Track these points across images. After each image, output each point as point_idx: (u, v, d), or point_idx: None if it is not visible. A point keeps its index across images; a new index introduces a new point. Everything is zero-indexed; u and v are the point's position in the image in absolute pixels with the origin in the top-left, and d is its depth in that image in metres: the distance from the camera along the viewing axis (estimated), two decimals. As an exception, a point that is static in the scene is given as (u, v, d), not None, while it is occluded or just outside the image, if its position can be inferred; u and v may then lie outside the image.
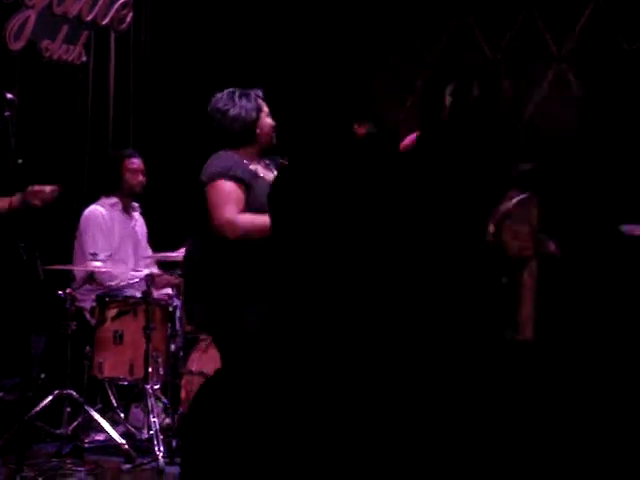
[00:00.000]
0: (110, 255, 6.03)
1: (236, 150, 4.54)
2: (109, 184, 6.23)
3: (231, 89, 4.62)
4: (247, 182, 4.44)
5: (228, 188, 4.40)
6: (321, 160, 3.35)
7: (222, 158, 4.51)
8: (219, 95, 4.63)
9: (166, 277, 6.07)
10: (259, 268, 4.33)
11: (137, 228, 6.35)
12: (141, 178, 6.24)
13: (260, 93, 4.64)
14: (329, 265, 3.15)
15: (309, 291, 3.20)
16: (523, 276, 6.21)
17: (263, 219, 4.29)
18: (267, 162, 4.64)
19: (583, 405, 3.25)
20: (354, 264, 3.12)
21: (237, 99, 4.56)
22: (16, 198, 5.06)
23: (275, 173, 4.56)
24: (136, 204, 6.35)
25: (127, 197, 6.25)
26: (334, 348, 3.12)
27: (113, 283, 6.01)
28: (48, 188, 5.21)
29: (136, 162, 6.24)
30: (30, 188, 5.04)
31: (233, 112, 4.54)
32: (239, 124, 4.54)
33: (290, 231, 3.28)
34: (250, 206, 4.42)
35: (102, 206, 6.19)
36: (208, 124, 4.61)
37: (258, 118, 4.56)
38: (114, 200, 6.21)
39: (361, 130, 7.02)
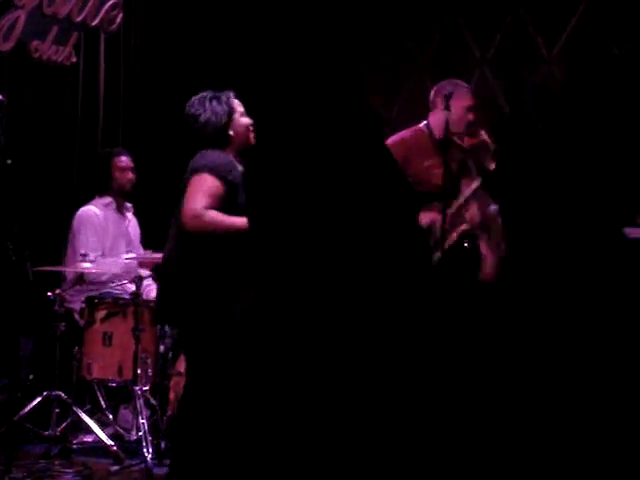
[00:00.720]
0: (102, 255, 6.04)
1: (223, 150, 4.53)
2: (100, 184, 6.23)
3: (203, 93, 4.61)
4: (237, 184, 4.40)
5: (209, 182, 4.36)
6: (294, 141, 3.32)
7: (215, 155, 4.48)
8: (192, 100, 4.62)
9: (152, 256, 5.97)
10: (237, 264, 4.33)
11: (130, 228, 6.35)
12: (130, 176, 6.25)
13: (232, 94, 4.61)
14: (305, 251, 3.12)
15: (288, 277, 3.17)
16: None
17: (230, 220, 4.31)
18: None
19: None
20: (329, 249, 3.11)
21: (207, 103, 4.55)
22: None
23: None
24: (129, 204, 6.35)
25: (119, 196, 6.25)
26: (318, 338, 3.11)
27: (104, 278, 6.01)
28: None
29: (124, 160, 6.24)
30: None
31: (204, 117, 4.53)
32: (211, 128, 4.53)
33: (265, 216, 3.25)
34: (238, 208, 4.40)
35: (96, 206, 6.19)
36: (186, 127, 4.61)
37: (230, 120, 4.54)
38: (108, 200, 6.21)
39: None
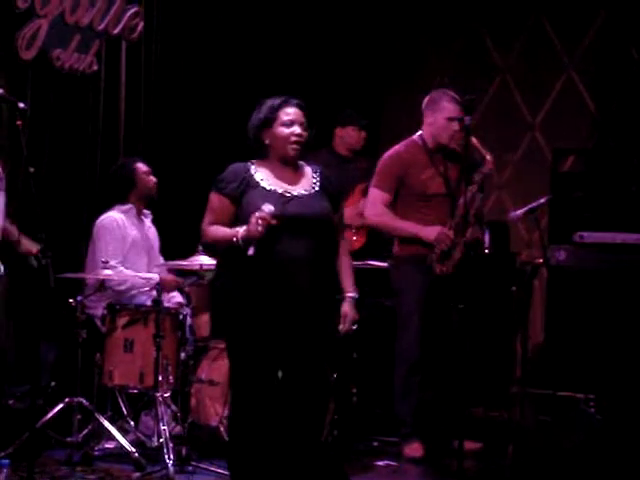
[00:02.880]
0: (122, 262, 6.04)
1: (261, 160, 4.45)
2: (121, 192, 6.23)
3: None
4: (234, 196, 4.36)
5: (212, 198, 4.41)
6: None
7: (230, 168, 4.44)
8: None
9: (175, 279, 6.08)
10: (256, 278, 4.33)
11: (149, 235, 6.35)
12: (154, 179, 6.27)
13: (284, 102, 4.40)
14: None
15: None
16: (534, 284, 6.16)
17: (221, 232, 4.32)
18: (309, 169, 4.50)
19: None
20: None
21: (254, 112, 4.52)
22: None
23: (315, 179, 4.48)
24: (147, 211, 6.35)
25: (141, 201, 6.26)
26: None
27: (123, 287, 6.01)
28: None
29: (144, 165, 6.28)
30: None
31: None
32: (249, 136, 4.48)
33: None
34: (239, 218, 4.35)
35: (117, 213, 6.19)
36: (224, 134, 4.58)
37: (265, 129, 4.40)
38: (128, 206, 6.21)
39: (344, 132, 7.03)
